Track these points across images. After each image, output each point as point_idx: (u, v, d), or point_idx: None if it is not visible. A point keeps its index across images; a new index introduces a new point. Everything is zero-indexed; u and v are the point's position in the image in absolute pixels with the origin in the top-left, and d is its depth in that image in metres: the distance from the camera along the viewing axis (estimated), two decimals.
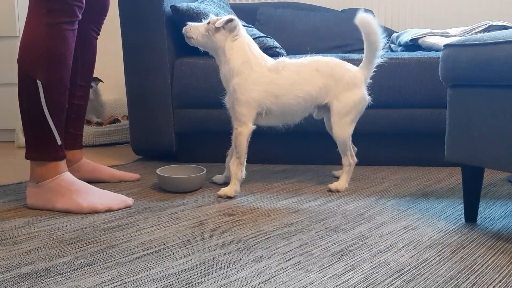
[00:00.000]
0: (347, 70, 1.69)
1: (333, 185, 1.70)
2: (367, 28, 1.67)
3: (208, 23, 1.66)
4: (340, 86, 1.67)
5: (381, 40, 1.68)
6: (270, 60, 1.70)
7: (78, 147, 1.79)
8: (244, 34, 1.68)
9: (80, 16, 1.48)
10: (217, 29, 1.64)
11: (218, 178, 1.83)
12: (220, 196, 1.62)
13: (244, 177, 1.65)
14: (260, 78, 1.65)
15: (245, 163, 1.65)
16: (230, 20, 1.63)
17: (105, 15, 1.78)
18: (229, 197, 1.61)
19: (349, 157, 1.71)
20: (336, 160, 1.75)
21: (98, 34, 1.78)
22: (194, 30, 1.67)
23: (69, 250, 1.18)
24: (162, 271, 1.06)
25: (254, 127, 1.66)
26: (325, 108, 1.71)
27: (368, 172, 1.75)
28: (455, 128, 1.33)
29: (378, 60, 1.71)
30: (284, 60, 1.71)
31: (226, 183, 1.74)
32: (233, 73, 1.65)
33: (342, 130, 1.67)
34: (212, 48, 1.69)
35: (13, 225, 1.36)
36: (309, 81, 1.67)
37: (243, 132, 1.63)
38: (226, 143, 1.81)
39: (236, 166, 1.63)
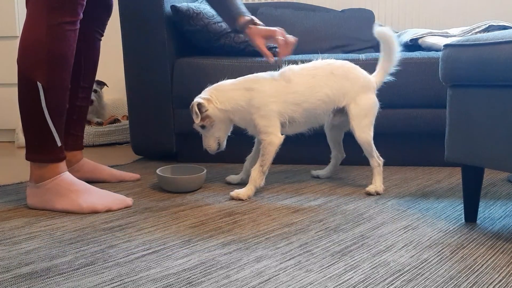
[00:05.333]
0: (361, 74, 1.72)
1: (371, 188, 1.67)
2: (386, 42, 1.71)
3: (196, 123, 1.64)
4: (356, 89, 1.68)
5: (398, 54, 1.72)
6: (269, 73, 1.69)
7: (79, 148, 1.79)
8: (216, 90, 1.65)
9: (82, 15, 1.46)
10: (203, 118, 1.62)
11: (232, 178, 1.82)
12: (232, 198, 1.61)
13: (262, 185, 1.64)
14: (275, 89, 1.64)
15: (266, 173, 1.64)
16: (192, 107, 1.61)
17: (109, 15, 1.77)
18: (240, 200, 1.60)
19: (376, 158, 1.70)
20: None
21: (102, 35, 1.77)
22: (208, 140, 1.68)
23: (69, 250, 1.18)
24: (162, 271, 1.06)
25: (283, 136, 1.65)
26: (342, 112, 1.71)
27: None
28: (455, 128, 1.33)
29: (390, 72, 1.75)
30: (292, 67, 1.70)
31: (239, 184, 1.74)
32: (247, 103, 1.63)
33: (363, 132, 1.67)
34: (225, 119, 1.66)
35: (13, 225, 1.36)
36: (325, 84, 1.67)
37: (274, 141, 1.62)
38: (226, 143, 1.81)
39: (258, 173, 1.63)
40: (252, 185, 1.63)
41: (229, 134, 1.73)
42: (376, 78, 1.74)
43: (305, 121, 1.70)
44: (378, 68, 1.76)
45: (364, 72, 1.73)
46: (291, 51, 1.68)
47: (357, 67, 1.74)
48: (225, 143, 1.72)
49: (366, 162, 1.73)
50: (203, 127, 1.66)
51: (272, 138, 1.63)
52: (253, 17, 1.71)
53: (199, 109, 1.61)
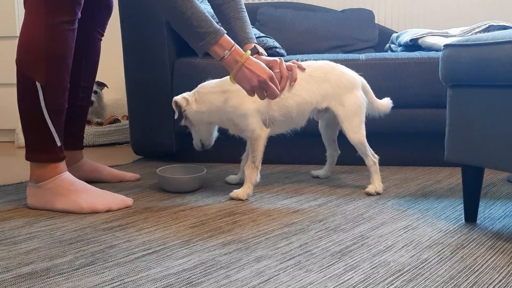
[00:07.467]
0: (343, 73, 1.67)
1: (371, 188, 1.66)
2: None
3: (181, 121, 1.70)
4: (338, 90, 1.65)
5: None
6: None
7: (79, 147, 1.79)
8: (198, 91, 1.66)
9: (80, 15, 1.47)
10: (187, 118, 1.67)
11: (231, 178, 1.82)
12: (232, 198, 1.61)
13: (258, 181, 1.63)
14: None
15: (260, 167, 1.64)
16: (175, 104, 1.64)
17: (110, 15, 1.77)
18: (240, 200, 1.60)
19: (371, 157, 1.68)
20: (339, 160, 1.75)
21: (102, 35, 1.77)
22: (194, 138, 1.74)
23: (69, 250, 1.18)
24: (162, 271, 1.06)
25: (268, 129, 1.64)
26: (326, 112, 1.70)
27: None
28: (455, 128, 1.33)
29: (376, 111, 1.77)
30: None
31: (239, 184, 1.74)
32: (222, 104, 1.62)
33: (356, 133, 1.65)
34: (203, 122, 1.68)
35: (13, 225, 1.36)
36: (302, 87, 1.63)
37: (260, 135, 1.61)
38: (225, 144, 1.81)
39: (251, 170, 1.62)
40: (249, 183, 1.62)
41: (216, 135, 1.75)
42: (363, 80, 1.71)
43: (285, 122, 1.67)
44: (375, 98, 1.74)
45: (346, 71, 1.69)
46: (284, 87, 1.59)
47: (339, 66, 1.69)
48: (210, 142, 1.74)
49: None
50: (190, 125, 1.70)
51: (257, 133, 1.61)
52: (258, 47, 1.68)
53: (178, 106, 1.64)
